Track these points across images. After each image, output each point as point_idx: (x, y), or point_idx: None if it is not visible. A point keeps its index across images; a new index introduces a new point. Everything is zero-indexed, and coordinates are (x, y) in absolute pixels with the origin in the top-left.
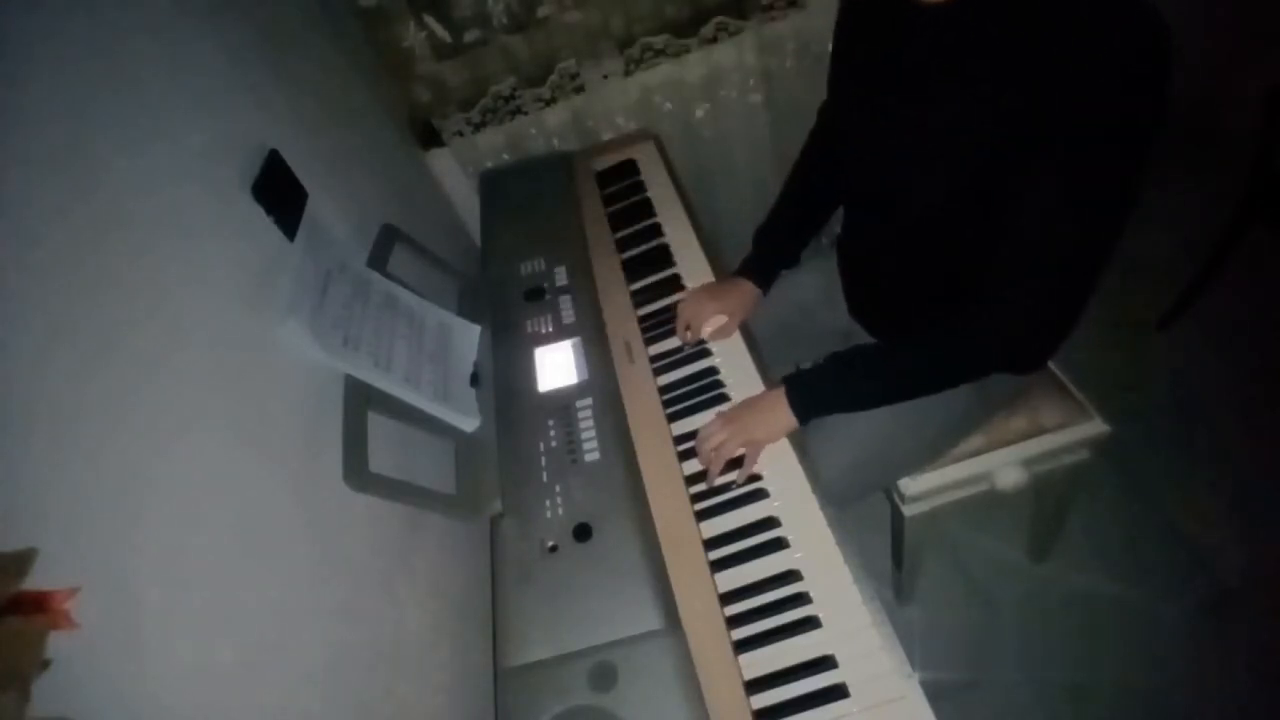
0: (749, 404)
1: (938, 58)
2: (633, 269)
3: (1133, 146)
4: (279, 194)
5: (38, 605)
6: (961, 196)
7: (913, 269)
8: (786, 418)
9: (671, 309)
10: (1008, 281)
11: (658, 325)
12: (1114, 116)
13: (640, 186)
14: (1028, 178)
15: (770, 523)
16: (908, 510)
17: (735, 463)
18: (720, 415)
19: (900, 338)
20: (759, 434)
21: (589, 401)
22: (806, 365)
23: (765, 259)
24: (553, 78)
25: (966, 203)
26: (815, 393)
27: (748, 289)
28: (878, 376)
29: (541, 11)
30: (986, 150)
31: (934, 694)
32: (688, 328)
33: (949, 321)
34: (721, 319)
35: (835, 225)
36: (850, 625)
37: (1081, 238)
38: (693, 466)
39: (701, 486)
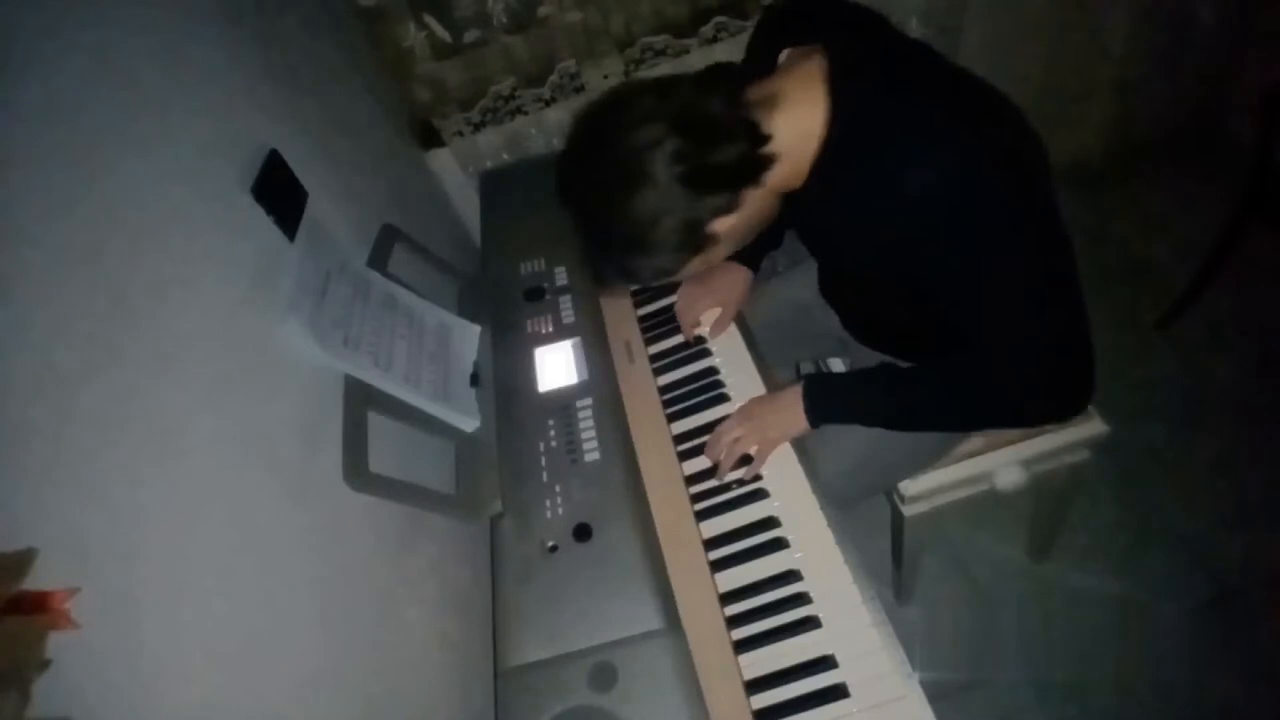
0: (767, 401)
1: (819, 224)
2: None
3: (1012, 225)
4: (279, 194)
5: (38, 605)
6: (898, 299)
7: (886, 317)
8: (800, 420)
9: (672, 308)
10: (1000, 353)
11: (658, 325)
12: (974, 225)
13: None
14: (943, 286)
15: (770, 523)
16: (908, 510)
17: (744, 459)
18: (737, 413)
19: (925, 372)
20: (773, 432)
21: (589, 401)
22: (806, 364)
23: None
24: (553, 78)
25: (906, 302)
26: (831, 400)
27: (738, 273)
28: (897, 409)
29: (541, 11)
30: (892, 270)
31: (934, 694)
32: (695, 324)
33: (976, 369)
34: (717, 311)
35: None
36: (850, 625)
37: (1028, 303)
38: (693, 466)
39: (702, 486)
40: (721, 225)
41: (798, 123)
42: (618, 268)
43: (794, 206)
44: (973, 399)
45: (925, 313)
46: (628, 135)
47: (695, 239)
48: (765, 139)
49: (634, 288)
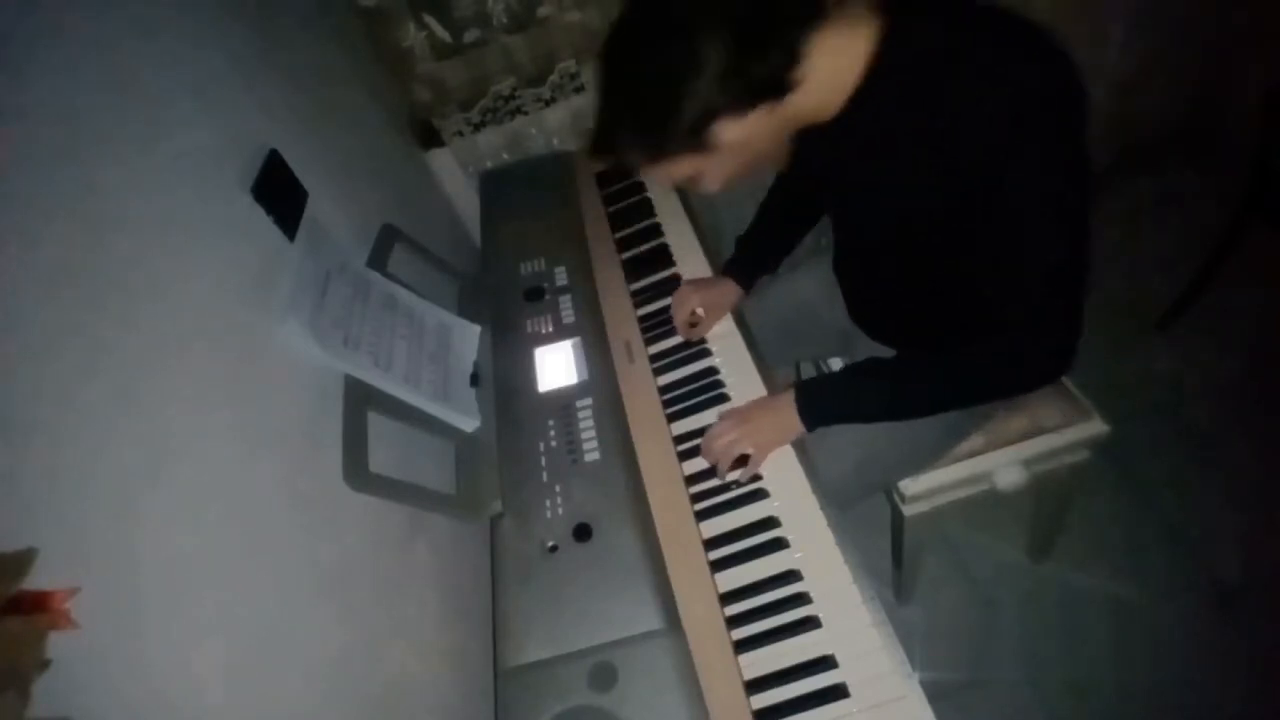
0: (761, 406)
1: (859, 154)
2: (633, 269)
3: (1060, 175)
4: (279, 194)
5: (38, 605)
6: (928, 244)
7: (902, 292)
8: (795, 424)
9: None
10: (1002, 315)
11: (658, 325)
12: (1028, 162)
13: (640, 186)
14: (984, 223)
15: (770, 523)
16: (908, 510)
17: (740, 460)
18: (733, 413)
19: (913, 354)
20: (767, 437)
21: (589, 401)
22: (806, 364)
23: (746, 264)
24: (553, 78)
25: (935, 248)
26: (825, 403)
27: (729, 288)
28: (890, 394)
29: (541, 11)
30: (934, 213)
31: (934, 694)
32: (688, 323)
33: (961, 346)
34: (700, 314)
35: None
36: (850, 625)
37: (1051, 262)
38: (693, 466)
39: (701, 486)
40: (728, 132)
41: (839, 49)
42: (621, 131)
43: (821, 148)
44: (970, 367)
45: (950, 260)
46: (692, 10)
47: (700, 129)
48: (798, 59)
49: (624, 169)
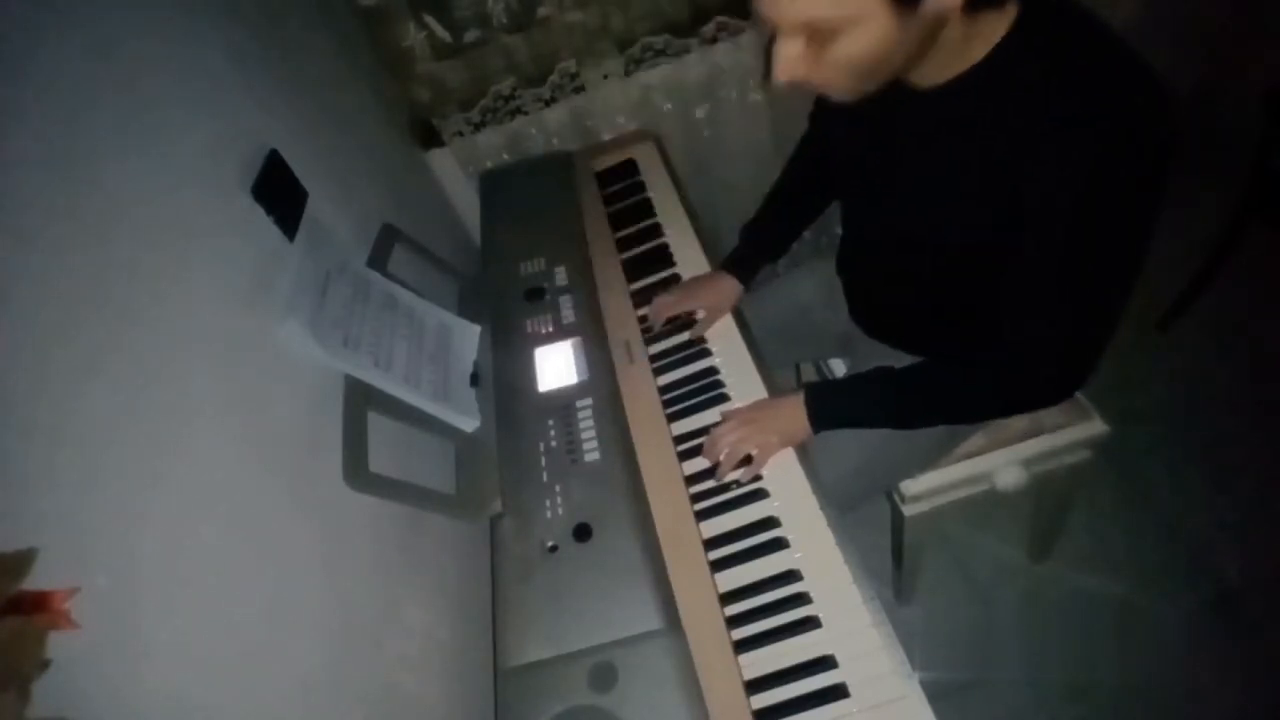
0: (766, 407)
1: (928, 139)
2: (633, 269)
3: (1130, 211)
4: (279, 194)
5: (38, 605)
6: (959, 253)
7: (913, 294)
8: (803, 427)
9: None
10: (1027, 333)
11: None
12: (1106, 192)
13: (640, 186)
14: (1032, 239)
15: (770, 523)
16: (908, 510)
17: (742, 461)
18: (737, 414)
19: (923, 366)
20: (774, 436)
21: (589, 401)
22: (807, 365)
23: (748, 254)
24: (553, 78)
25: (965, 258)
26: (833, 404)
27: (727, 284)
28: (898, 405)
29: (541, 11)
30: (983, 217)
31: (934, 694)
32: (665, 319)
33: (974, 359)
34: (700, 314)
35: (834, 226)
36: (850, 625)
37: (1093, 291)
38: (693, 466)
39: (701, 486)
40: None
41: (990, 20)
42: None
43: (884, 126)
44: (975, 387)
45: (975, 270)
46: None
47: None
48: None
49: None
